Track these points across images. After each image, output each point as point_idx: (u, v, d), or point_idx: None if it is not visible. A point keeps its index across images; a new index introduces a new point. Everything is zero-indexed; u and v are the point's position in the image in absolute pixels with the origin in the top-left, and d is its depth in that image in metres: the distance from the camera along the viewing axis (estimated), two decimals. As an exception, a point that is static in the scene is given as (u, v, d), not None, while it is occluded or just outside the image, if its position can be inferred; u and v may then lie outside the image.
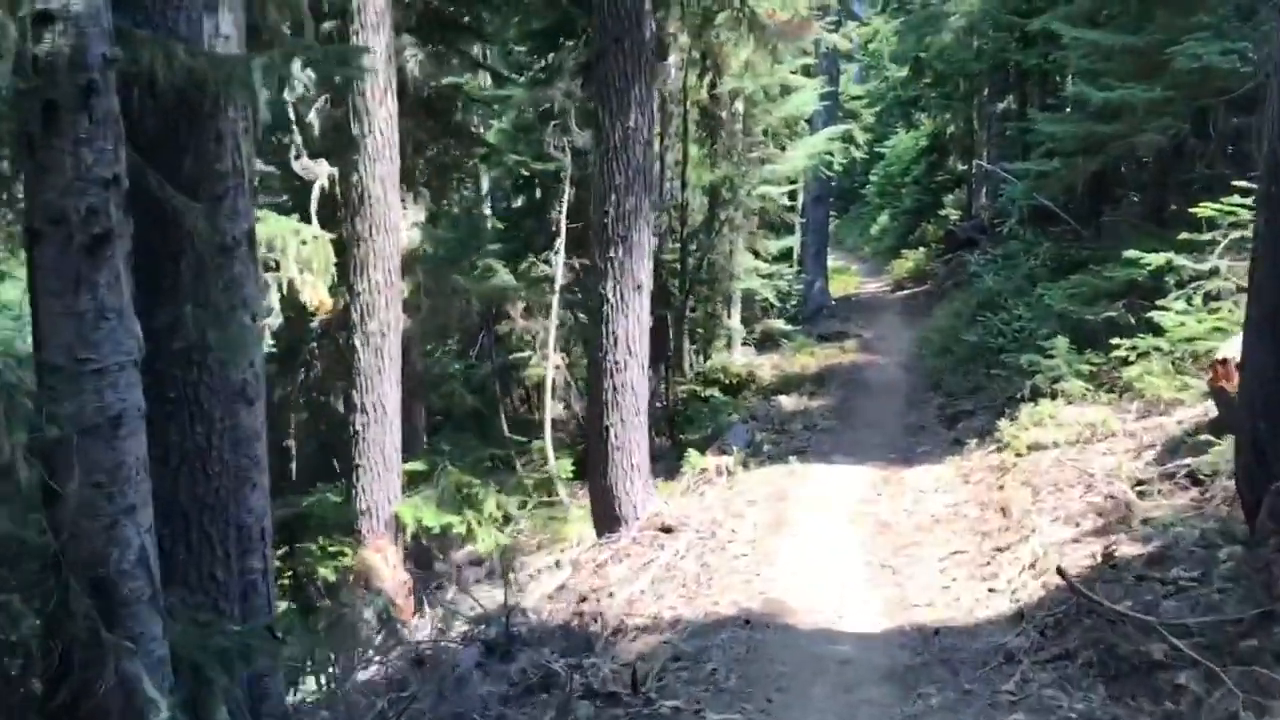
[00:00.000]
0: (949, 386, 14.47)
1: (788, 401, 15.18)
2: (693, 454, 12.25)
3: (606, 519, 9.81)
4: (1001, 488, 8.77)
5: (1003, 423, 10.33)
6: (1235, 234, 9.66)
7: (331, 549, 8.44)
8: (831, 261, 37.50)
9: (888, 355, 17.50)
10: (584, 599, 7.97)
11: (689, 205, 17.26)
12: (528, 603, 8.39)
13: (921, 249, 32.17)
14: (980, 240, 26.14)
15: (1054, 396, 10.44)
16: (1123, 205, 15.86)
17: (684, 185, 17.11)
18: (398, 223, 9.67)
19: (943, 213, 34.24)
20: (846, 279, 33.85)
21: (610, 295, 9.53)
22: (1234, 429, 7.03)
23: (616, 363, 9.59)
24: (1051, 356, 10.84)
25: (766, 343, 18.24)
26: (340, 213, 9.69)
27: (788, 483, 10.74)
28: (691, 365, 17.25)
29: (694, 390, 16.22)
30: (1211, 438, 7.01)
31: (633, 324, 9.61)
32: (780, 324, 17.94)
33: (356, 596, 8.26)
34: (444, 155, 14.18)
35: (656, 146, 19.02)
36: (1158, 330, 9.74)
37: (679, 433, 15.44)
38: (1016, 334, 14.11)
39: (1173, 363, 9.35)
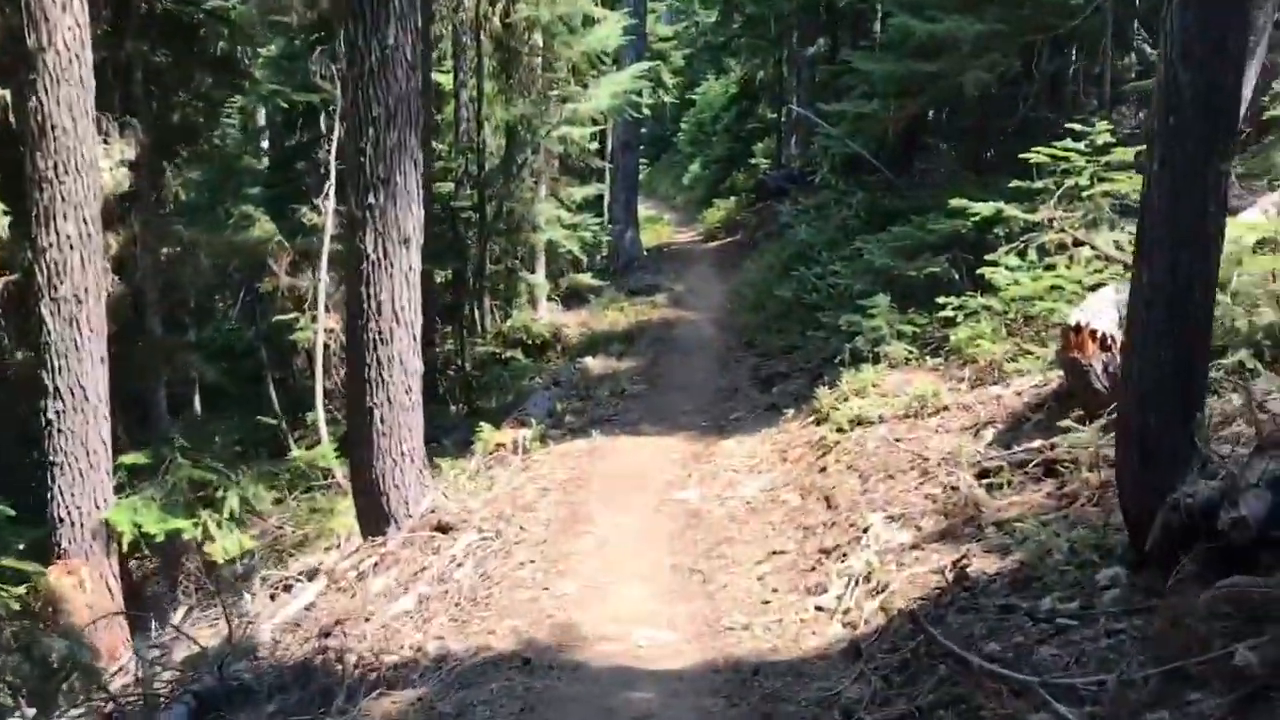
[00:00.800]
0: (763, 345, 13.38)
1: (595, 364, 13.79)
2: (485, 429, 10.69)
3: (373, 517, 8.16)
4: (824, 470, 7.62)
5: (821, 390, 9.20)
6: (1069, 181, 8.77)
7: (6, 571, 6.50)
8: (644, 210, 36.36)
9: (700, 311, 16.34)
10: (328, 634, 6.34)
11: (486, 148, 15.54)
12: (263, 634, 6.72)
13: (733, 198, 31.40)
14: (790, 190, 25.33)
15: (875, 360, 9.40)
16: (938, 152, 15.09)
17: (480, 125, 15.37)
18: (95, 161, 7.61)
19: (753, 161, 33.48)
20: (659, 229, 32.73)
21: (371, 250, 7.80)
22: (1089, 408, 6.04)
23: (380, 332, 7.90)
24: (872, 316, 9.79)
25: (573, 299, 16.76)
26: (21, 149, 7.57)
27: (589, 462, 9.36)
28: (493, 324, 15.62)
29: (493, 353, 14.63)
30: (1070, 421, 5.96)
31: (400, 285, 7.93)
32: (587, 278, 16.48)
33: (42, 632, 6.37)
34: (195, 85, 11.96)
35: (452, 83, 17.22)
36: (988, 288, 8.78)
37: (475, 400, 13.86)
38: (831, 289, 13.13)
39: (1005, 325, 8.40)
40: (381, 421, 7.98)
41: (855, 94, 13.45)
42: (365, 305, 7.88)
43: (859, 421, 7.97)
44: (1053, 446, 5.95)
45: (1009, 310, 8.42)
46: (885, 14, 15.05)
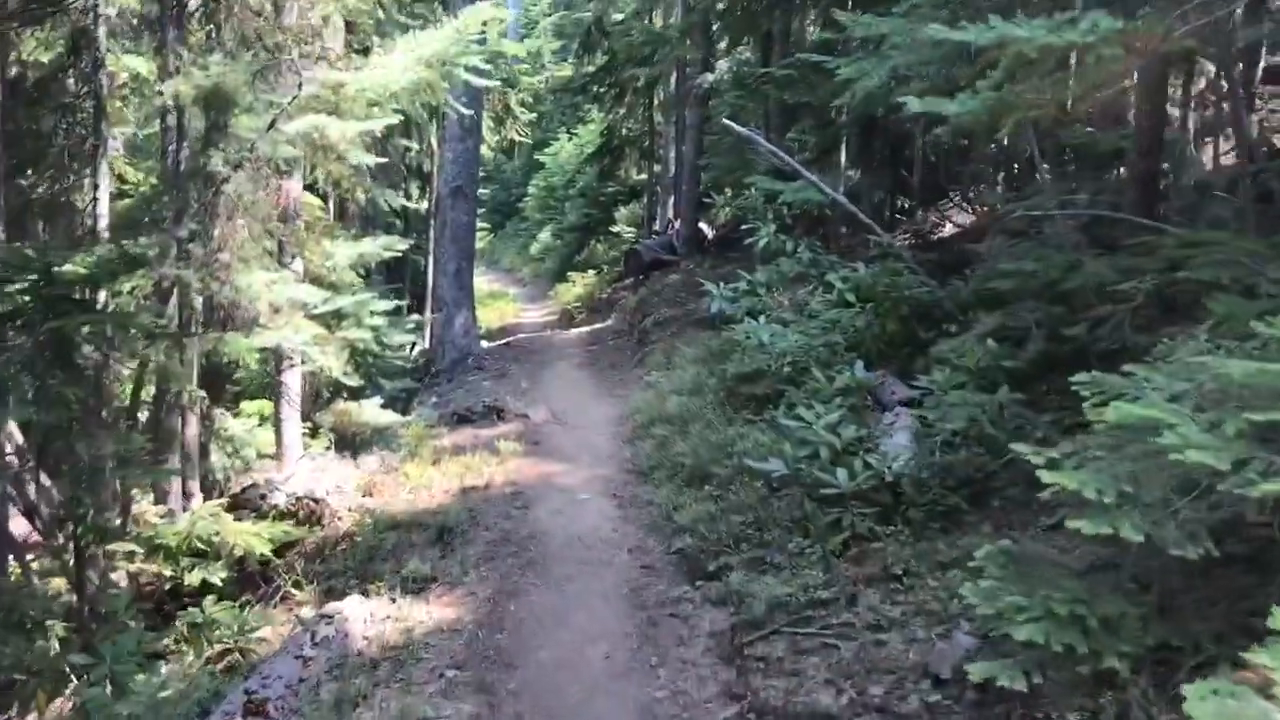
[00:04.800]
0: (729, 578, 5.78)
1: (364, 614, 5.97)
2: None
3: None
4: None
5: None
6: None
7: None
8: (484, 283, 28.74)
9: (579, 464, 8.69)
10: None
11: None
12: None
13: (592, 271, 24.33)
14: (672, 261, 18.30)
15: None
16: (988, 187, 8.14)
17: (180, 131, 7.49)
18: None
19: (615, 229, 26.47)
20: (503, 306, 25.23)
21: None
22: None
23: None
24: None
25: (356, 440, 8.77)
26: None
27: None
28: (187, 505, 7.47)
29: (165, 577, 6.53)
30: None
31: None
32: (370, 410, 8.47)
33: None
34: None
35: (156, 69, 9.44)
36: None
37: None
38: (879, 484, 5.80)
39: None
40: None
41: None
42: None
43: None
44: None
45: None
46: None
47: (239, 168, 6.21)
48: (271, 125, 6.21)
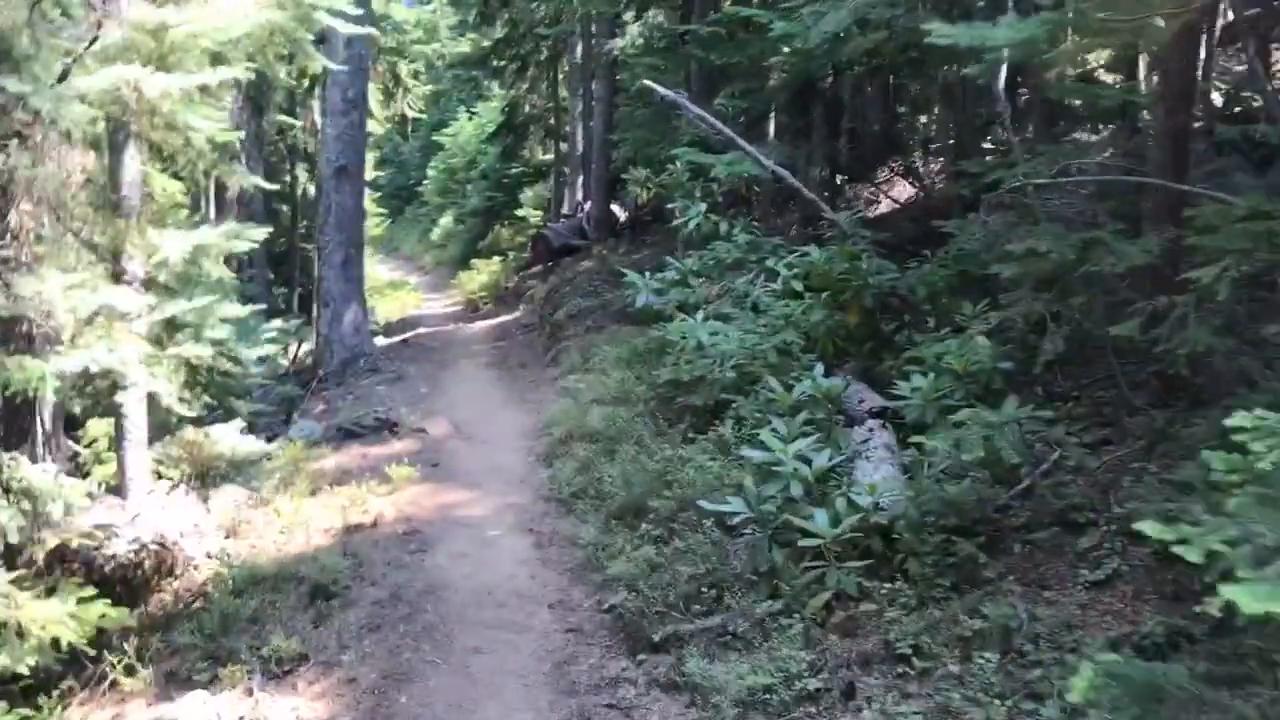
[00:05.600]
0: (690, 668, 4.49)
1: (208, 715, 4.53)
2: None
3: None
4: None
5: None
6: None
7: None
8: (386, 272, 26.89)
9: (487, 489, 7.30)
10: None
11: None
12: None
13: (497, 258, 22.72)
14: (581, 247, 16.96)
15: None
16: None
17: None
18: None
19: (520, 213, 24.95)
20: (404, 296, 23.44)
21: None
22: None
23: None
24: None
25: (209, 475, 7.18)
26: None
27: None
28: None
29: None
30: None
31: None
32: (229, 436, 6.88)
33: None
34: None
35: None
36: None
37: None
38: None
39: None
40: None
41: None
42: None
43: None
44: None
45: None
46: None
47: (16, 136, 4.67)
48: (63, 78, 4.68)
